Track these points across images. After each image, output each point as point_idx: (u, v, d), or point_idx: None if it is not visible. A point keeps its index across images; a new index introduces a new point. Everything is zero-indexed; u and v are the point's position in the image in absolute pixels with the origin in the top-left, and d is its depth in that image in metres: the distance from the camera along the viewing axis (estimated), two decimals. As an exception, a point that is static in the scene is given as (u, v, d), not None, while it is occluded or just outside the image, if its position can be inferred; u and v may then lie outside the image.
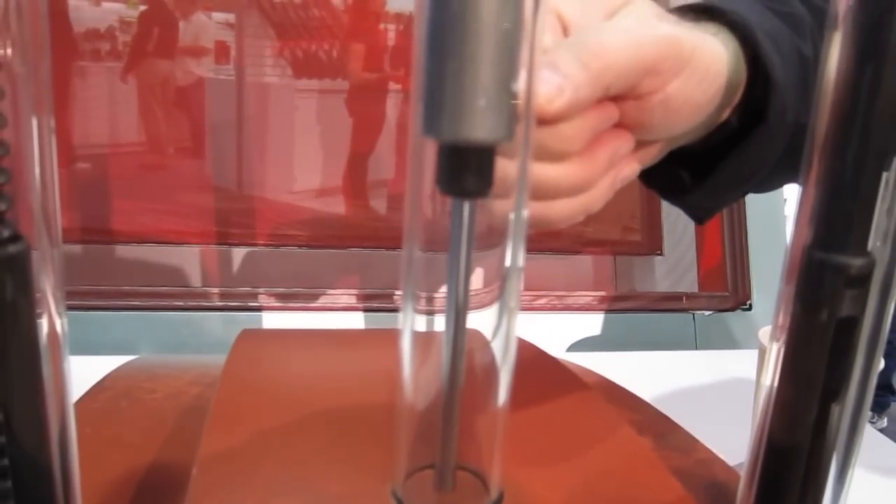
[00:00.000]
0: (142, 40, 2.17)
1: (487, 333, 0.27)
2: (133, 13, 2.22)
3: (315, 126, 1.92)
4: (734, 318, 0.80)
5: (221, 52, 2.11)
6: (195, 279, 1.07)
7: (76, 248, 1.23)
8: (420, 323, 0.26)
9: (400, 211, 1.48)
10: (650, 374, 0.64)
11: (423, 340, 0.26)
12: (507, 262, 0.26)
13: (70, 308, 0.64)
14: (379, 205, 1.77)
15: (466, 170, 0.23)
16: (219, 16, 2.21)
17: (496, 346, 0.27)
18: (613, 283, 0.95)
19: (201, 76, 2.08)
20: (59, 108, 1.74)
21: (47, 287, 0.23)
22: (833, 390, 0.27)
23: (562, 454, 0.37)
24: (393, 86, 1.79)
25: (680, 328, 0.74)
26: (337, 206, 1.72)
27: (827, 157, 0.27)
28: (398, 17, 1.86)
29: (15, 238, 0.23)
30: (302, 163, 1.79)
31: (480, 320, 0.27)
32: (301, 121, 1.87)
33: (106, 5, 2.19)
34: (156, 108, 2.16)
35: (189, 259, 1.17)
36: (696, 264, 0.89)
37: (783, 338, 0.28)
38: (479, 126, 0.22)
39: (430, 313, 0.26)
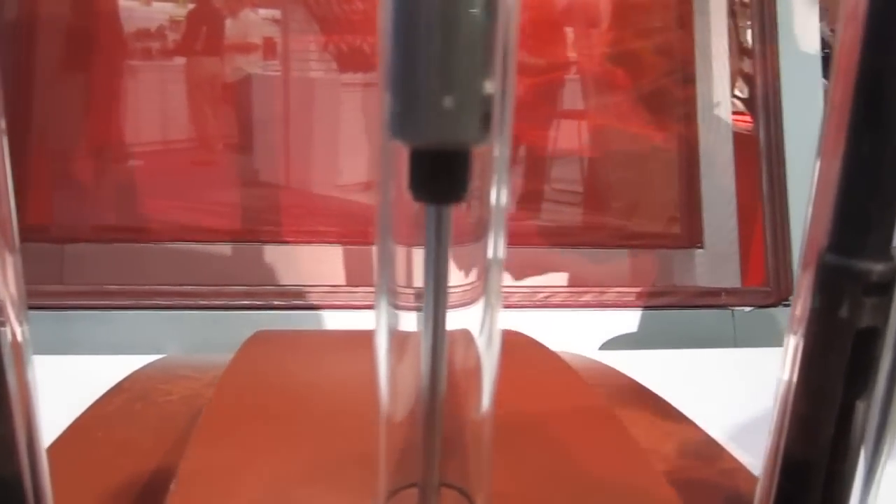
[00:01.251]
0: (190, 39, 2.21)
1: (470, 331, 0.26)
2: (182, 12, 2.25)
3: (360, 119, 1.92)
4: (776, 315, 0.77)
5: (269, 48, 2.13)
6: (241, 276, 1.07)
7: (125, 247, 1.25)
8: (399, 324, 0.25)
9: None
10: (685, 373, 0.62)
11: (402, 344, 0.24)
12: (489, 255, 0.24)
13: (103, 307, 0.65)
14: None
15: (436, 175, 0.21)
16: (265, 12, 2.23)
17: (480, 345, 0.26)
18: (652, 277, 0.92)
19: (249, 73, 2.10)
20: (110, 107, 1.78)
21: (6, 295, 0.23)
22: (852, 407, 0.25)
23: (556, 467, 0.35)
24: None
25: (718, 325, 0.71)
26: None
27: (842, 149, 0.24)
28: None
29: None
30: (347, 156, 1.79)
31: (463, 318, 0.25)
32: (346, 114, 1.87)
33: (156, 5, 2.23)
34: (204, 105, 2.19)
35: (235, 256, 1.18)
36: (738, 258, 0.85)
37: (800, 332, 0.26)
38: (447, 128, 0.20)
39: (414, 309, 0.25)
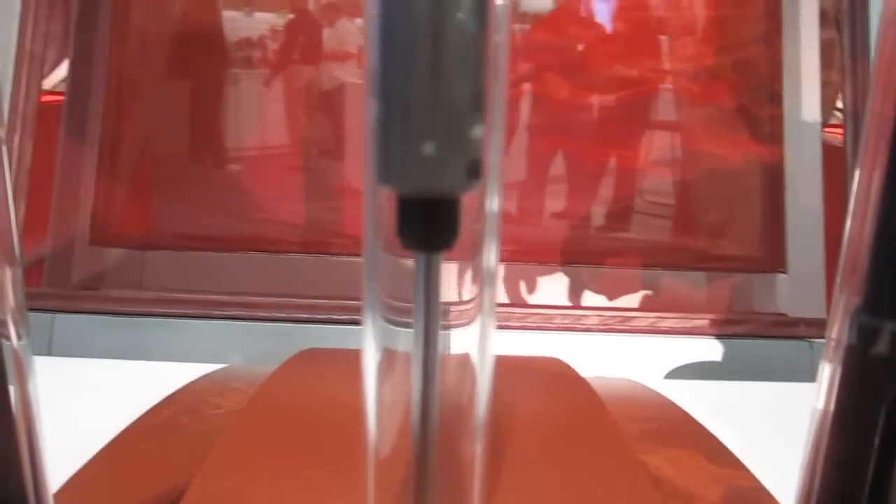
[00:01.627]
0: (288, 48, 2.27)
1: (463, 352, 0.25)
2: (282, 21, 2.31)
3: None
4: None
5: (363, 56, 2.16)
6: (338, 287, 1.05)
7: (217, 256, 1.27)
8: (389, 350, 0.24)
9: (527, 223, 1.45)
10: (753, 408, 0.59)
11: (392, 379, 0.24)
12: (484, 266, 0.23)
13: (170, 315, 0.66)
14: (510, 206, 1.76)
15: (423, 222, 0.21)
16: (361, 21, 2.26)
17: (475, 365, 0.25)
18: (728, 302, 0.88)
19: (343, 81, 2.14)
20: (213, 113, 1.84)
21: (7, 310, 0.23)
22: (885, 483, 0.23)
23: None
24: (525, 86, 1.76)
25: (795, 357, 0.67)
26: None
27: (879, 199, 0.22)
28: (527, 16, 1.83)
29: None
30: None
31: (460, 337, 0.25)
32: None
33: (258, 15, 2.30)
34: (300, 112, 2.24)
35: (310, 266, 1.18)
36: (823, 284, 0.80)
37: (837, 358, 0.24)
38: (428, 176, 0.20)
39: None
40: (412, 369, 0.23)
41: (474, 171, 0.20)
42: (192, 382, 0.53)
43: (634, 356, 0.72)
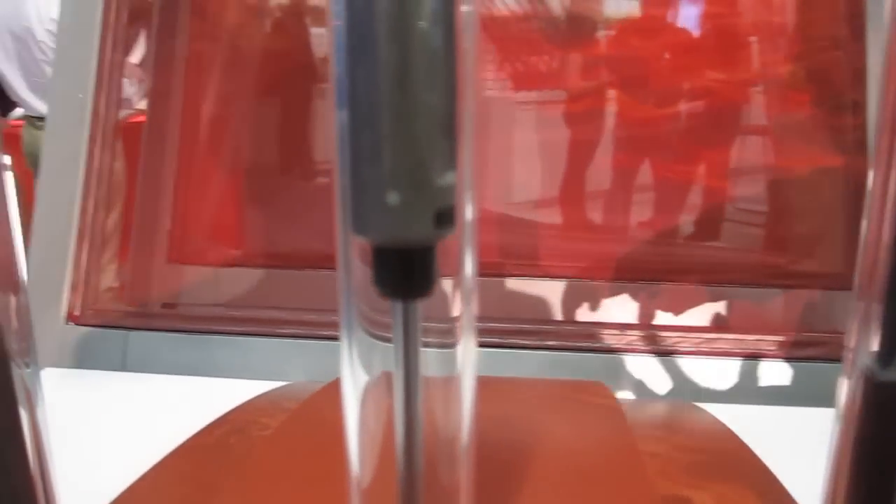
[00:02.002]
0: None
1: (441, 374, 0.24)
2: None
3: (534, 138, 1.92)
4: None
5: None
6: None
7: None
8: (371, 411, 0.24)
9: (612, 239, 1.42)
10: (820, 436, 0.55)
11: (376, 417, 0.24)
12: (463, 281, 0.23)
13: (238, 333, 0.68)
14: (595, 217, 1.74)
15: (398, 272, 0.21)
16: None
17: (460, 388, 0.24)
18: (805, 322, 0.82)
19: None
20: (303, 127, 1.88)
21: (12, 342, 0.24)
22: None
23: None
24: (610, 94, 1.74)
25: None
26: (554, 217, 1.70)
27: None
28: (615, 23, 1.80)
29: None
30: (521, 174, 1.79)
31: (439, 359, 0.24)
32: (520, 133, 1.88)
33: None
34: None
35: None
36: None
37: (856, 376, 0.23)
38: (393, 225, 0.19)
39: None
40: (395, 417, 0.23)
41: (444, 219, 0.20)
42: (247, 402, 0.54)
43: (701, 377, 0.69)
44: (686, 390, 0.66)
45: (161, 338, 0.71)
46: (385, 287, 0.21)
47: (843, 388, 0.25)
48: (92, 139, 0.73)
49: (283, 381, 0.63)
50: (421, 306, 0.22)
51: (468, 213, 0.21)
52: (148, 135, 1.05)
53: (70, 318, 0.72)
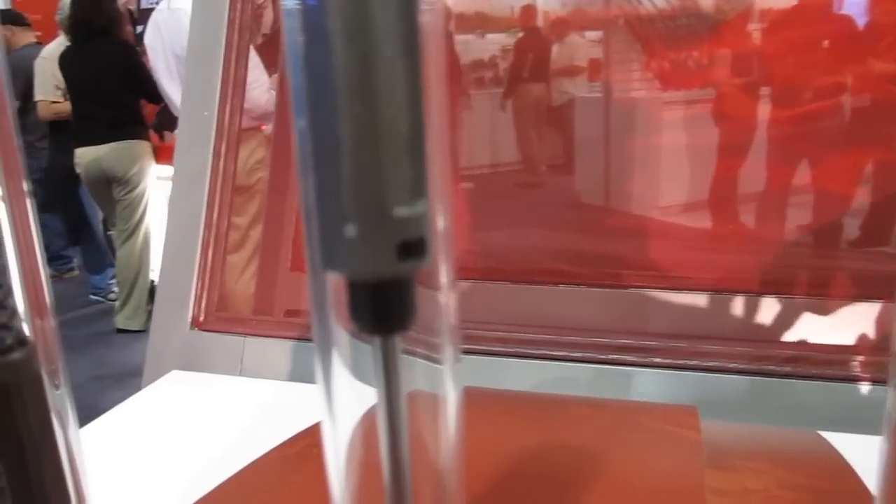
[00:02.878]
0: (518, 66, 2.31)
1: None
2: (513, 41, 2.36)
3: (682, 138, 1.85)
4: None
5: (595, 69, 2.15)
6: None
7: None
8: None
9: (764, 248, 1.34)
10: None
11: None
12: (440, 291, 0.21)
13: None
14: (748, 219, 1.65)
15: (370, 306, 0.19)
16: (591, 34, 2.25)
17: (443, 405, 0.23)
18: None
19: (573, 96, 2.13)
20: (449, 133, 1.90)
21: (43, 368, 0.25)
22: None
23: None
24: (764, 91, 1.64)
25: None
26: (704, 221, 1.63)
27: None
28: (767, 15, 1.70)
29: (21, 343, 0.25)
30: (669, 177, 1.73)
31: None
32: (667, 133, 1.81)
33: (490, 36, 2.37)
34: (529, 129, 2.27)
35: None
36: None
37: None
38: (352, 259, 0.18)
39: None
40: (381, 454, 0.22)
41: (409, 251, 0.19)
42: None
43: (787, 403, 0.63)
44: (814, 418, 0.60)
45: (278, 344, 0.73)
46: (361, 322, 0.20)
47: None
48: (216, 153, 0.77)
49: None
50: (400, 340, 0.20)
51: (443, 238, 0.20)
52: (275, 144, 1.09)
53: (195, 323, 0.76)
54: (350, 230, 0.18)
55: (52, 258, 3.62)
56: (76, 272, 3.57)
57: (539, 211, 1.76)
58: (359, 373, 0.22)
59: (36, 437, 0.26)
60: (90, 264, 3.21)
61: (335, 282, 0.20)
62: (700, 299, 0.85)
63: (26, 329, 0.26)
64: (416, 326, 0.21)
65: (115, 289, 3.00)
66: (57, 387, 0.27)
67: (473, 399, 0.51)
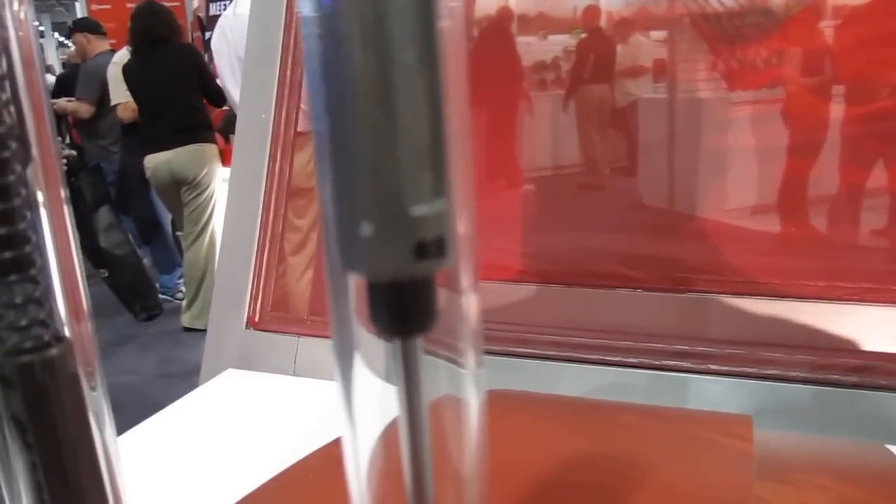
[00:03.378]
0: (580, 67, 2.28)
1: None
2: (575, 42, 2.34)
3: (749, 139, 1.80)
4: None
5: (659, 70, 2.11)
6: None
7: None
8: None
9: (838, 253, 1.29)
10: None
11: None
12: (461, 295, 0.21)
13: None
14: (819, 223, 1.60)
15: (389, 307, 0.19)
16: (656, 34, 2.22)
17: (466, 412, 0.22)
18: None
19: (636, 97, 2.11)
20: (508, 135, 1.90)
21: (80, 367, 0.25)
22: None
23: None
24: (835, 89, 1.59)
25: None
26: (772, 224, 1.59)
27: None
28: (838, 9, 1.65)
29: (58, 339, 0.25)
30: (735, 179, 1.69)
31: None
32: (734, 135, 1.77)
33: (552, 37, 2.35)
34: (592, 130, 2.25)
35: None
36: None
37: None
38: (368, 258, 0.18)
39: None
40: (402, 462, 0.21)
41: (426, 251, 0.18)
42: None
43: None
44: (882, 430, 0.57)
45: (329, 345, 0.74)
46: (381, 324, 0.19)
47: None
48: (272, 155, 0.78)
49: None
50: (422, 343, 0.20)
51: (465, 240, 0.19)
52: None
53: (250, 322, 0.77)
54: (366, 229, 0.18)
55: (125, 258, 3.74)
56: (146, 272, 3.69)
57: (600, 213, 1.73)
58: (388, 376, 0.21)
59: (72, 433, 0.27)
60: (159, 264, 3.30)
61: (355, 284, 0.19)
62: (764, 305, 0.82)
63: (65, 328, 0.26)
64: (442, 329, 0.21)
65: (183, 288, 3.08)
66: (93, 388, 0.27)
67: (519, 403, 0.50)
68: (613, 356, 0.63)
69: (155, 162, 2.63)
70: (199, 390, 0.73)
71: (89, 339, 0.27)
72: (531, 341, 0.66)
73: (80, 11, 5.51)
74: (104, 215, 1.75)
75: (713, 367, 0.61)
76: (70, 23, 3.64)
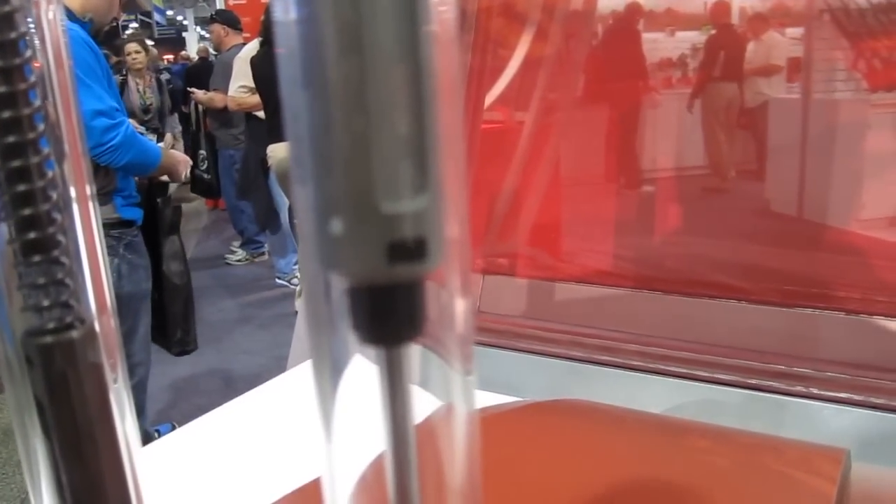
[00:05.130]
0: (708, 65, 2.19)
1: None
2: (705, 39, 2.25)
3: (891, 144, 1.68)
4: None
5: (794, 68, 2.01)
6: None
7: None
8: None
9: None
10: None
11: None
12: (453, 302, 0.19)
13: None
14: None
15: (370, 313, 0.17)
16: (792, 31, 2.11)
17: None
18: None
19: (767, 97, 2.00)
20: (629, 134, 1.86)
21: (104, 356, 0.25)
22: None
23: None
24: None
25: None
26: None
27: None
28: None
29: (80, 321, 0.25)
30: (873, 186, 1.58)
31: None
32: (873, 139, 1.64)
33: (680, 34, 2.27)
34: (718, 131, 2.17)
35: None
36: None
37: None
38: (338, 258, 0.16)
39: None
40: (386, 474, 0.19)
41: (403, 252, 0.16)
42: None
43: None
44: None
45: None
46: (362, 332, 0.18)
47: None
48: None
49: (515, 396, 0.61)
50: (408, 353, 0.18)
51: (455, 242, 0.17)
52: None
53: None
54: (336, 226, 0.16)
55: (246, 242, 3.90)
56: (266, 256, 3.82)
57: (719, 218, 1.65)
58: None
59: (92, 417, 0.27)
60: (276, 250, 3.42)
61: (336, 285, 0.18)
62: (885, 326, 0.75)
63: (91, 307, 0.26)
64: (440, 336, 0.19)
65: (298, 274, 3.17)
66: (115, 381, 0.27)
67: (584, 414, 0.47)
68: (702, 371, 0.59)
69: (279, 153, 2.71)
70: (284, 376, 0.74)
71: (112, 333, 0.26)
72: (614, 349, 0.63)
73: (219, 6, 5.78)
74: (173, 243, 1.87)
75: (814, 390, 0.56)
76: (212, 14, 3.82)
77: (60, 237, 0.24)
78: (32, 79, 0.22)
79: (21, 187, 0.21)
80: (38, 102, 0.22)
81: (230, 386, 2.45)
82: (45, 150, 0.23)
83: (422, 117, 0.16)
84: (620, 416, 0.48)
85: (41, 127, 0.22)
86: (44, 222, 0.24)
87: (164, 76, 4.66)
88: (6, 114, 0.20)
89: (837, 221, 1.55)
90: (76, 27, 1.52)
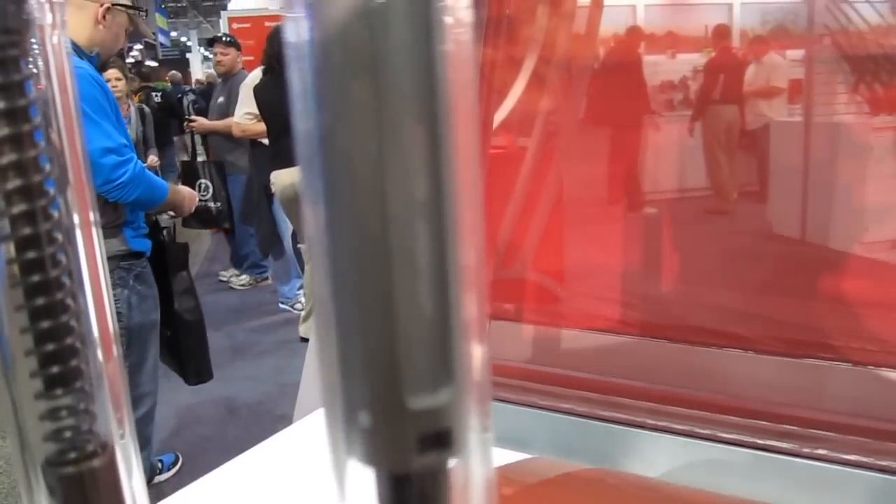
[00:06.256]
0: (708, 87, 2.20)
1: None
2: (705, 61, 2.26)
3: (894, 167, 1.68)
4: None
5: (795, 91, 2.02)
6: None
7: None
8: None
9: None
10: None
11: None
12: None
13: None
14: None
15: (390, 499, 0.17)
16: (793, 53, 2.12)
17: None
18: None
19: (768, 119, 2.01)
20: (630, 157, 1.86)
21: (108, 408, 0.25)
22: None
23: None
24: None
25: None
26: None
27: None
28: None
29: (103, 447, 0.26)
30: (875, 209, 1.59)
31: None
32: (875, 162, 1.65)
33: (681, 56, 2.28)
34: (719, 153, 2.17)
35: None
36: None
37: None
38: (368, 450, 0.16)
39: None
40: None
41: (430, 443, 0.16)
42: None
43: None
44: None
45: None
46: (386, 506, 0.18)
47: None
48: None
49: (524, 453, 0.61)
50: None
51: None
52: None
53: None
54: (364, 419, 0.16)
55: (251, 266, 3.89)
56: (269, 281, 3.81)
57: (723, 242, 1.66)
58: None
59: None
60: (279, 275, 3.42)
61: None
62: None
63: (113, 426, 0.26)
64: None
65: (302, 299, 3.17)
66: (122, 436, 0.27)
67: (561, 479, 0.47)
68: (706, 429, 0.59)
69: (282, 179, 2.72)
70: (291, 428, 0.74)
71: (122, 384, 0.26)
72: (615, 404, 0.62)
73: (223, 28, 5.80)
74: (182, 280, 1.89)
75: (823, 451, 0.56)
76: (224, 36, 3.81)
77: (83, 366, 0.24)
78: (38, 119, 0.21)
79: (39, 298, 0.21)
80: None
81: (233, 413, 2.45)
82: (55, 216, 0.23)
83: (446, 303, 0.16)
84: (597, 481, 0.48)
85: (47, 168, 0.22)
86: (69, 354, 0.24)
87: (190, 97, 4.65)
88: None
89: (839, 244, 1.56)
90: (84, 64, 1.52)
